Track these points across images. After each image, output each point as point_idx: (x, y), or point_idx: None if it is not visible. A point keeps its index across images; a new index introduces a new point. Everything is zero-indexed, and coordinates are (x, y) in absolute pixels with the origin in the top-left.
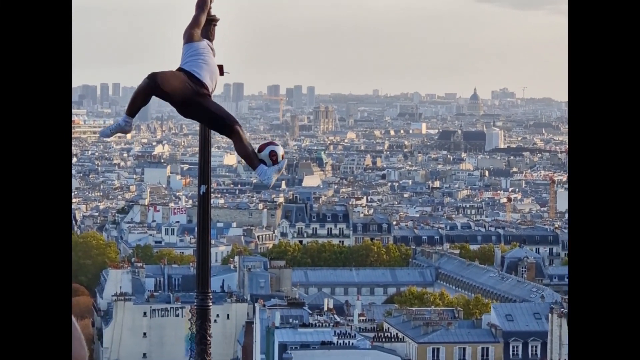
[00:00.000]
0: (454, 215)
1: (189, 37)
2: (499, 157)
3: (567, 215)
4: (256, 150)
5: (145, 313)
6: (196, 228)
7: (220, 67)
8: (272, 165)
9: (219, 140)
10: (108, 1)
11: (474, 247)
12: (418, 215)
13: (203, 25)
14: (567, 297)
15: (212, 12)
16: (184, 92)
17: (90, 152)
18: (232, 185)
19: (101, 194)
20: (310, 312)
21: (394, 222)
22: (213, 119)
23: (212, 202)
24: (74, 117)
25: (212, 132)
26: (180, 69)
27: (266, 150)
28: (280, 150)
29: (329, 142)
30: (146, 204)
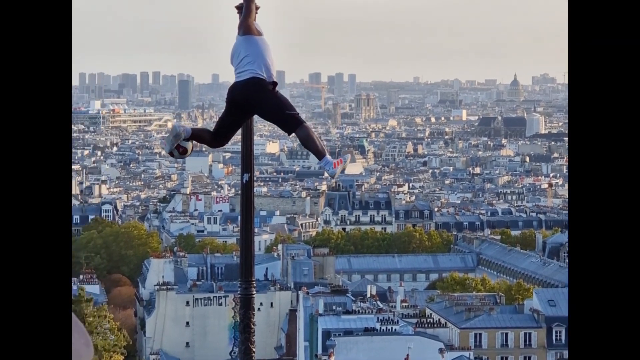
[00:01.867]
0: (494, 201)
1: (246, 29)
2: (539, 143)
3: None
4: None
5: (188, 302)
6: (239, 216)
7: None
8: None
9: (261, 128)
10: None
11: (515, 232)
12: (459, 202)
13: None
14: None
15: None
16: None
17: (130, 142)
18: (275, 174)
19: (142, 183)
20: (354, 299)
21: (436, 209)
22: (280, 116)
23: (255, 191)
24: (114, 106)
25: (255, 119)
26: (254, 77)
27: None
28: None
29: (370, 129)
30: (188, 193)
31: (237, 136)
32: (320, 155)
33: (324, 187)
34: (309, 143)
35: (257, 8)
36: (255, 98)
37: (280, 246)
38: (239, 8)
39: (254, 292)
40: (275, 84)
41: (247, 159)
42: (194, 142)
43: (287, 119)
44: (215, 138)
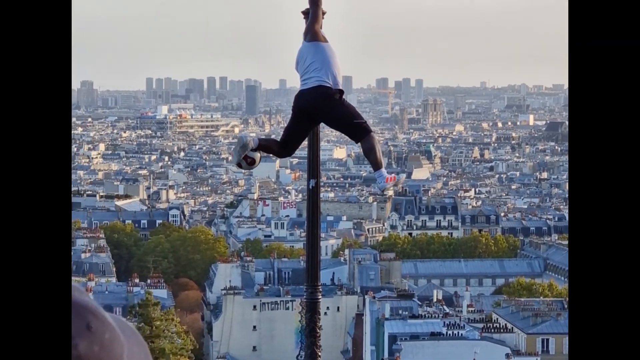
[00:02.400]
0: (562, 206)
1: (313, 35)
2: None
3: None
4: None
5: (255, 306)
6: (306, 222)
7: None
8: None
9: (328, 134)
10: None
11: None
12: (526, 207)
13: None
14: None
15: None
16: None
17: (198, 147)
18: (342, 179)
19: (209, 188)
20: (420, 303)
21: (502, 214)
22: (348, 125)
23: (321, 196)
24: (181, 112)
25: (322, 125)
26: (320, 86)
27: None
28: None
29: (437, 134)
30: (255, 198)
31: (304, 142)
32: (376, 166)
33: (390, 192)
34: (370, 154)
35: (323, 13)
36: (322, 107)
37: (347, 251)
38: (305, 13)
39: (320, 297)
40: (341, 92)
41: (313, 165)
42: (262, 152)
43: (355, 127)
44: (282, 147)
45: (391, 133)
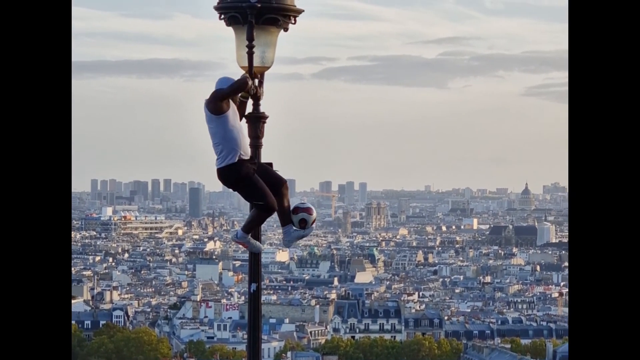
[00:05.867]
0: (505, 310)
1: (217, 109)
2: (550, 252)
3: None
4: (291, 209)
5: None
6: (247, 324)
7: (270, 165)
8: (298, 229)
9: (270, 237)
10: (155, 96)
11: (525, 341)
12: (469, 310)
13: (250, 122)
14: None
15: (262, 109)
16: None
17: (142, 248)
18: (284, 282)
19: (153, 289)
20: None
21: (446, 317)
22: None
23: (264, 299)
24: (126, 213)
25: (263, 228)
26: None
27: (298, 215)
28: (311, 219)
29: (381, 238)
30: (198, 300)
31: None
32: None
33: (333, 296)
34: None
35: (265, 117)
36: (229, 187)
37: (289, 353)
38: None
39: None
40: (253, 161)
41: (255, 269)
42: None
43: (257, 207)
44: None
45: (334, 236)
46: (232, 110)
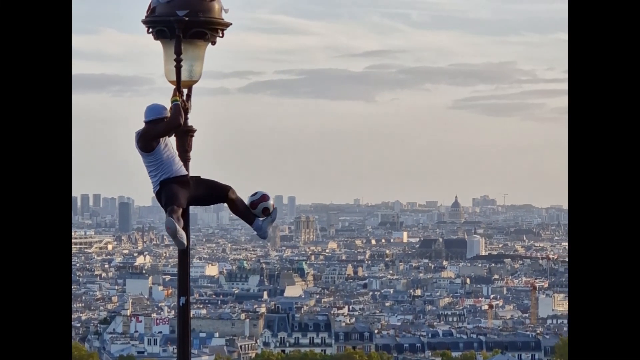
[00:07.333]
0: (435, 323)
1: (151, 148)
2: (480, 265)
3: (548, 322)
4: (249, 206)
5: None
6: (177, 338)
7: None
8: (266, 218)
9: (200, 251)
10: (82, 111)
11: (455, 354)
12: (400, 324)
13: (178, 136)
14: None
15: (189, 123)
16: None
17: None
18: (214, 296)
19: (83, 304)
20: None
21: (376, 331)
22: (209, 196)
23: (194, 313)
24: None
25: (192, 243)
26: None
27: (258, 208)
28: (270, 204)
29: (310, 252)
30: (128, 314)
31: (177, 259)
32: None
33: (263, 310)
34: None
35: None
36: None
37: None
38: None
39: None
40: (185, 179)
41: (183, 283)
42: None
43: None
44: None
45: (263, 250)
46: (163, 140)
